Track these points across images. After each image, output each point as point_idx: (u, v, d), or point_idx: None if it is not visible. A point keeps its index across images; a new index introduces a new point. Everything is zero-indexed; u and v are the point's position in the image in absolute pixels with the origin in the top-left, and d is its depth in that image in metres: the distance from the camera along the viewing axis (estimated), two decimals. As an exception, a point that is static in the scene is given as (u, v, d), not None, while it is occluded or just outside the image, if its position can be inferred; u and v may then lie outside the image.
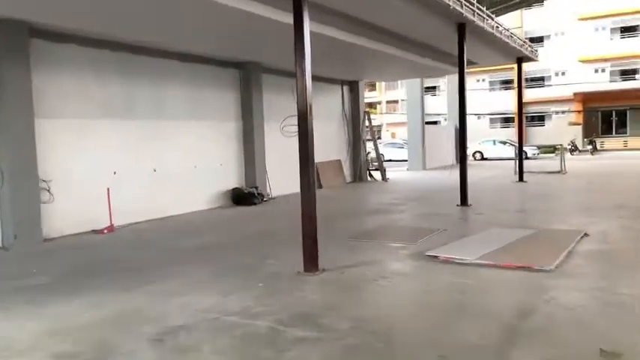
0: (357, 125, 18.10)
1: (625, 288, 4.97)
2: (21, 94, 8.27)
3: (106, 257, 7.44)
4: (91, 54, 9.64)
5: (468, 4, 9.95)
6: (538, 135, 35.98)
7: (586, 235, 7.31)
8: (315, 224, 6.02)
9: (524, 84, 18.79)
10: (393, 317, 4.55)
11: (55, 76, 9.08)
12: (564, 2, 35.82)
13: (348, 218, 10.12)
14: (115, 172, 10.02)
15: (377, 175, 18.65)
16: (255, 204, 12.44)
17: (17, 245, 8.02)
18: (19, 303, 5.24)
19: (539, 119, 37.94)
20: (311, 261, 5.92)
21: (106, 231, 9.27)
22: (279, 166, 13.66)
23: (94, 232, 9.25)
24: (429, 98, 33.55)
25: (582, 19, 36.03)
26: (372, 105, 50.43)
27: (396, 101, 56.15)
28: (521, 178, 15.88)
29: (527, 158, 16.38)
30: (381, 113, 55.78)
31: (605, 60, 35.83)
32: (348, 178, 17.86)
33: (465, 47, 10.87)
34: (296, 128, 6.10)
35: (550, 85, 37.68)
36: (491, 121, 39.99)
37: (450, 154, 26.09)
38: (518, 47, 14.16)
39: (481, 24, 10.78)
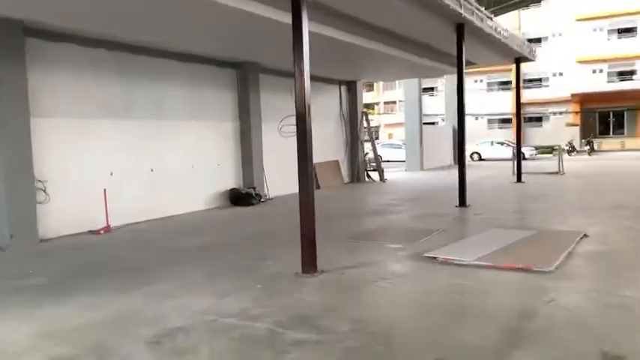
0: (354, 125, 18.07)
1: (626, 290, 4.94)
2: (17, 94, 8.20)
3: (103, 258, 7.38)
4: (88, 53, 9.59)
5: (467, 4, 9.92)
6: (535, 136, 36.03)
7: (585, 235, 7.29)
8: (314, 225, 5.98)
9: (521, 85, 18.77)
10: (393, 319, 4.51)
11: (51, 76, 9.02)
12: (562, 3, 35.90)
13: (346, 219, 10.08)
14: (112, 173, 9.96)
15: (375, 175, 18.63)
16: (252, 204, 12.40)
17: (13, 245, 7.96)
18: (15, 304, 5.19)
19: (537, 120, 38.00)
20: (310, 262, 5.88)
21: (102, 231, 9.21)
22: (277, 166, 13.62)
23: (91, 232, 9.19)
24: (426, 99, 33.56)
25: (580, 20, 36.09)
26: (369, 106, 50.37)
27: (393, 102, 56.18)
28: (519, 179, 15.88)
29: (524, 159, 16.38)
30: (379, 114, 55.80)
31: (603, 61, 35.91)
32: (346, 179, 17.83)
33: (463, 47, 10.85)
34: (294, 128, 6.06)
35: (548, 86, 37.74)
36: (489, 122, 40.02)
37: (447, 155, 26.07)
38: (517, 48, 14.15)
39: (480, 24, 10.76)
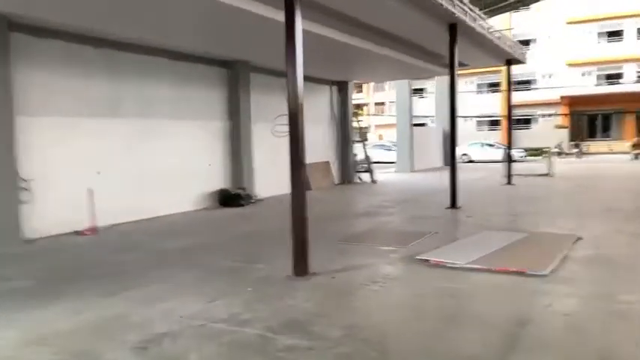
0: (345, 126, 17.97)
1: (622, 294, 4.87)
2: (1, 90, 7.99)
3: (88, 260, 7.21)
4: (75, 50, 9.41)
5: (460, 4, 9.86)
6: (524, 138, 36.16)
7: (579, 238, 7.24)
8: (306, 227, 5.86)
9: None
10: (386, 324, 4.41)
11: (37, 73, 8.83)
12: (552, 6, 36.08)
13: (337, 220, 9.98)
14: (98, 172, 9.77)
15: (365, 176, 18.55)
16: (242, 205, 12.25)
17: (-4, 247, 7.76)
18: (-4, 308, 5.02)
19: (526, 122, 38.15)
20: (301, 265, 5.76)
21: (88, 232, 9.03)
22: (267, 166, 13.49)
23: (77, 233, 9.00)
24: (416, 100, 33.56)
25: (570, 23, 36.32)
26: (359, 106, 50.37)
27: (383, 103, 56.24)
28: (509, 181, 15.87)
29: (513, 161, 16.41)
30: (369, 115, 55.79)
31: (592, 64, 36.18)
32: (337, 180, 17.72)
33: (456, 48, 10.78)
34: (284, 128, 5.94)
35: (537, 88, 37.93)
36: (479, 123, 40.15)
37: (437, 156, 26.12)
38: (508, 49, 14.14)
39: (472, 24, 10.70)
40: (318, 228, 7.96)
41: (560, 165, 22.16)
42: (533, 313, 4.46)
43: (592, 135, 37.07)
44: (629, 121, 35.87)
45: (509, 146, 16.74)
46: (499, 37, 13.04)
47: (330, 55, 12.25)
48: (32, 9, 7.75)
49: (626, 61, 35.39)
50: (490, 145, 31.21)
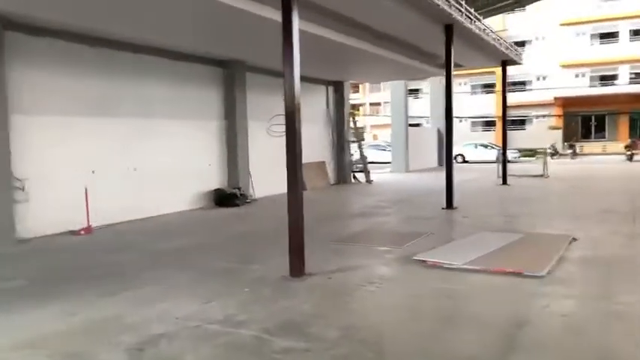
0: (341, 126, 17.94)
1: (619, 295, 4.88)
2: (-5, 89, 7.95)
3: (83, 260, 7.16)
4: (70, 49, 9.35)
5: (456, 5, 9.85)
6: (518, 138, 36.24)
7: (574, 239, 7.24)
8: (302, 227, 5.84)
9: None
10: (383, 325, 4.39)
11: (32, 71, 8.76)
12: (546, 8, 36.20)
13: (333, 221, 9.96)
14: (93, 171, 9.71)
15: (361, 177, 18.53)
16: (237, 205, 12.21)
17: (-11, 247, 7.70)
18: (-11, 309, 4.97)
19: (520, 123, 38.24)
20: (297, 265, 5.74)
21: (83, 232, 8.97)
22: (263, 166, 13.45)
23: (72, 232, 8.94)
24: (411, 101, 33.58)
25: (564, 25, 36.45)
26: (355, 107, 50.35)
27: (378, 103, 56.23)
28: (504, 182, 15.91)
29: (508, 161, 16.47)
30: (364, 115, 55.78)
31: (586, 65, 36.32)
32: (332, 180, 17.70)
33: (452, 49, 10.78)
34: (280, 128, 5.92)
35: (531, 90, 38.04)
36: (473, 124, 40.22)
37: (432, 157, 26.16)
38: (504, 50, 14.15)
39: (469, 25, 10.70)
40: (314, 228, 7.97)
41: (554, 166, 22.25)
42: (530, 314, 4.45)
43: (586, 136, 37.24)
44: (623, 122, 36.06)
45: (504, 147, 16.76)
46: (495, 39, 13.04)
47: (326, 56, 12.22)
48: (27, 7, 7.68)
49: (620, 62, 35.56)
50: (484, 146, 31.26)
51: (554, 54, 36.37)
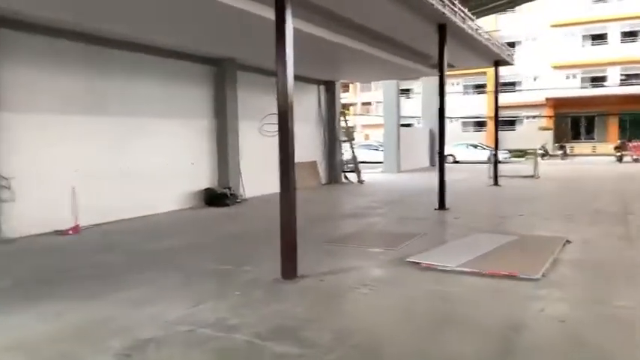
0: (332, 126, 17.86)
1: (615, 298, 4.83)
2: (-20, 86, 7.78)
3: (70, 261, 7.00)
4: (57, 45, 9.17)
5: (449, 4, 9.80)
6: (508, 139, 36.36)
7: (568, 241, 7.20)
8: (295, 229, 5.74)
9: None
10: (378, 328, 4.31)
11: (19, 68, 8.59)
12: (537, 8, 36.34)
13: (325, 221, 9.87)
14: (81, 170, 9.54)
15: (352, 177, 18.45)
16: (228, 205, 12.08)
17: (-26, 247, 7.54)
18: (-28, 312, 4.82)
19: (510, 123, 38.38)
20: (289, 267, 5.64)
21: (70, 232, 8.81)
22: (253, 166, 13.33)
23: (58, 232, 8.78)
24: (403, 101, 33.57)
25: (555, 26, 36.62)
26: (345, 106, 50.31)
27: (369, 103, 56.22)
28: (496, 182, 15.91)
29: (499, 162, 16.50)
30: (355, 114, 55.76)
31: (577, 66, 36.52)
32: (323, 180, 17.61)
33: (445, 49, 10.73)
34: (272, 127, 5.82)
35: (522, 90, 38.18)
36: (464, 124, 40.33)
37: (424, 157, 26.16)
38: (497, 50, 14.14)
39: (462, 25, 10.66)
40: (306, 229, 7.86)
41: (545, 166, 22.30)
42: (526, 317, 4.39)
43: (576, 137, 37.45)
44: (613, 124, 36.32)
45: (495, 147, 16.76)
46: (488, 39, 13.02)
47: (318, 55, 12.12)
48: (19, 4, 7.52)
49: (610, 64, 35.80)
50: (475, 147, 31.32)
51: (546, 55, 36.53)
